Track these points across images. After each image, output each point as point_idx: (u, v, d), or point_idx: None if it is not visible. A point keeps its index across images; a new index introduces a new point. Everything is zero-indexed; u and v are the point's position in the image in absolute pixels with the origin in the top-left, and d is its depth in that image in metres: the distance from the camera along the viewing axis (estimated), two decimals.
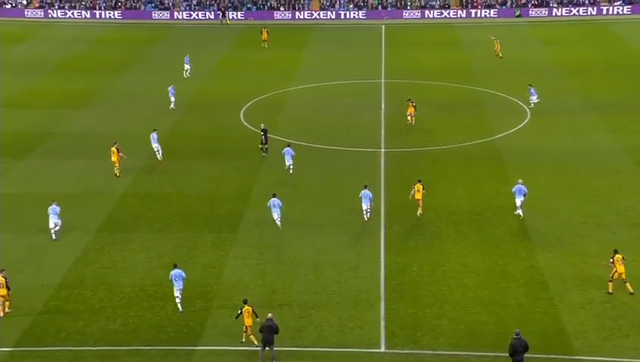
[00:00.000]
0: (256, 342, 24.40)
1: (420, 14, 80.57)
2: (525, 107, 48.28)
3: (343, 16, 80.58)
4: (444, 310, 26.53)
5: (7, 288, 26.22)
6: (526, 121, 46.12)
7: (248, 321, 24.54)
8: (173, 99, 48.26)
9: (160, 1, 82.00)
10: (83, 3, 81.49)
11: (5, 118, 46.86)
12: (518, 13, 79.93)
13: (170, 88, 48.75)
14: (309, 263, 29.69)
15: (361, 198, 32.78)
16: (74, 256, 30.36)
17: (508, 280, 28.42)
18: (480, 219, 33.19)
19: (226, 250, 30.79)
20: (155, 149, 39.93)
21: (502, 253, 30.34)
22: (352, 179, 36.99)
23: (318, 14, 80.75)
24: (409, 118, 45.08)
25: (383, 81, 56.17)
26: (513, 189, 33.09)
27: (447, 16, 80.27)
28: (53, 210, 31.65)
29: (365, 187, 33.20)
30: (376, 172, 38.65)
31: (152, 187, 37.04)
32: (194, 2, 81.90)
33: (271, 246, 31.15)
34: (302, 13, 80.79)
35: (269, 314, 24.29)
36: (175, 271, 26.94)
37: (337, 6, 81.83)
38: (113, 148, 37.87)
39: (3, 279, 26.33)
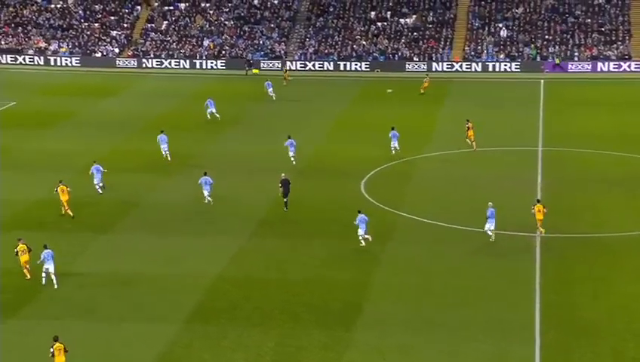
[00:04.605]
0: None
1: (590, 67, 79.58)
2: None
3: (490, 68, 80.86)
4: None
5: (30, 250, 35.66)
6: None
7: None
8: (212, 110, 61.78)
9: (271, 50, 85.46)
10: (182, 52, 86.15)
11: (86, 184, 49.54)
12: None
13: (208, 102, 62.44)
14: None
15: (357, 224, 38.38)
16: (157, 350, 31.13)
17: None
18: None
19: (340, 353, 30.76)
20: (164, 151, 51.10)
21: None
22: (498, 273, 36.39)
23: (460, 65, 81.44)
24: (469, 141, 49.83)
25: (539, 148, 55.49)
26: (487, 213, 38.92)
27: (627, 69, 78.82)
28: (97, 168, 44.15)
29: (359, 212, 38.88)
30: (530, 264, 37.81)
31: (251, 270, 37.80)
32: (310, 51, 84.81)
33: (395, 350, 30.87)
34: (440, 64, 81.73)
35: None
36: None
37: (484, 56, 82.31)
38: (62, 187, 42.96)
39: (25, 246, 35.78)
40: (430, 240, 40.47)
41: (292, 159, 51.21)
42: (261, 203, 45.37)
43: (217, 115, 62.41)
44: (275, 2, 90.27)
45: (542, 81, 75.96)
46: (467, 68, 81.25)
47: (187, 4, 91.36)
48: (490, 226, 39.58)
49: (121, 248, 40.47)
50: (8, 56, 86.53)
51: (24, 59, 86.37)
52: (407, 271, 37.24)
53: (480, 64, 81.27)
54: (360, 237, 38.96)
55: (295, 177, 49.81)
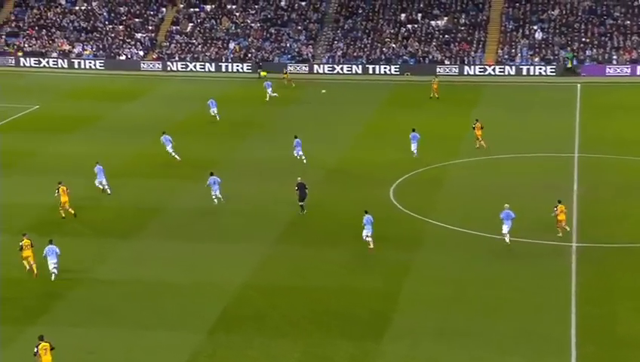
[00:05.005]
0: None
1: (629, 70, 78.88)
2: None
3: (525, 72, 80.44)
4: None
5: (32, 245, 37.20)
6: None
7: None
8: (214, 110, 64.03)
9: (298, 53, 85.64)
10: (207, 55, 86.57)
11: (111, 189, 49.86)
12: None
13: (210, 102, 64.47)
14: None
15: (364, 225, 39.09)
16: (180, 360, 31.13)
17: None
18: None
19: None
20: (171, 151, 53.04)
21: None
22: (531, 283, 36.12)
23: (493, 69, 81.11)
24: (477, 142, 51.62)
25: (575, 155, 55.07)
26: (501, 215, 39.28)
27: None
28: (100, 169, 46.51)
29: (366, 212, 39.65)
30: (565, 274, 37.51)
31: (277, 278, 37.85)
32: (338, 54, 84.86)
33: None
34: (472, 67, 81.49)
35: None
36: None
37: (518, 59, 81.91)
38: (62, 188, 43.91)
39: (29, 241, 37.43)
40: (460, 248, 40.30)
41: (302, 159, 52.64)
42: (286, 209, 45.40)
43: (217, 116, 64.46)
44: (303, 4, 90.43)
45: (578, 85, 75.43)
46: (500, 71, 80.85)
47: (213, 5, 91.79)
48: (506, 229, 39.80)
49: (144, 254, 40.69)
50: (32, 59, 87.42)
51: (48, 62, 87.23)
52: (437, 280, 37.10)
53: (514, 67, 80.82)
54: (367, 239, 39.59)
55: (322, 183, 49.97)
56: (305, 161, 52.33)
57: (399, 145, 56.37)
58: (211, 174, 46.26)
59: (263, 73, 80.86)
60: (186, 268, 39.07)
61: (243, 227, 43.63)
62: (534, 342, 31.80)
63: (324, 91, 73.53)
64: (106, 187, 48.24)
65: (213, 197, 45.73)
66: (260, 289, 36.76)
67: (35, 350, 29.27)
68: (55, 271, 37.26)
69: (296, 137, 53.54)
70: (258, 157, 55.47)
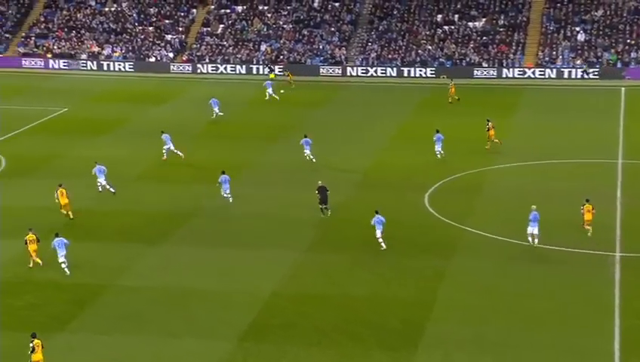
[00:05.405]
0: None
1: None
2: None
3: (566, 75, 79.88)
4: None
5: (38, 240, 38.77)
6: None
7: None
8: (216, 109, 65.80)
9: (331, 55, 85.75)
10: (238, 57, 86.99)
11: (138, 194, 50.20)
12: None
13: (212, 101, 66.23)
14: None
15: (374, 225, 40.09)
16: None
17: None
18: None
19: None
20: (173, 150, 54.86)
21: None
22: (572, 294, 35.82)
23: (533, 72, 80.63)
24: (490, 142, 54.28)
25: (619, 161, 54.59)
26: (529, 217, 39.77)
27: None
28: (99, 170, 47.42)
29: (377, 213, 40.57)
30: (608, 285, 37.13)
31: (307, 286, 37.88)
32: (372, 56, 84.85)
33: None
34: (511, 70, 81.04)
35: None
36: None
37: (559, 61, 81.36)
38: (61, 190, 45.00)
39: (34, 236, 38.91)
40: (497, 256, 40.10)
41: (311, 158, 53.95)
42: (317, 215, 45.45)
43: (216, 115, 66.40)
44: (336, 5, 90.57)
45: (622, 88, 74.74)
46: (540, 74, 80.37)
47: (244, 6, 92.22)
48: (532, 230, 40.12)
49: (173, 261, 40.91)
50: (61, 61, 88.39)
51: (77, 64, 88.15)
52: (473, 289, 36.92)
53: (555, 70, 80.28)
54: (379, 240, 40.40)
55: (355, 188, 49.98)
56: (314, 160, 53.69)
57: (434, 149, 56.16)
58: (223, 173, 47.35)
59: (271, 75, 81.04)
60: (215, 274, 39.24)
61: (273, 233, 43.74)
62: (575, 356, 31.54)
63: (282, 91, 74.66)
64: (108, 187, 48.91)
65: (224, 195, 46.96)
66: (290, 297, 36.82)
67: (31, 346, 30.16)
68: (64, 264, 38.39)
69: (305, 136, 54.63)
70: (288, 160, 55.52)
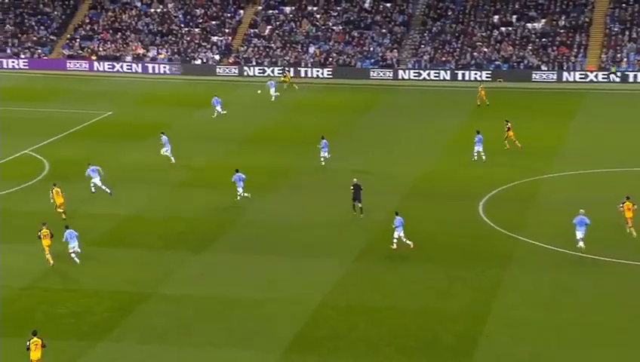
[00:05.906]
0: None
1: None
2: None
3: (631, 79, 78.93)
4: None
5: (52, 235, 39.91)
6: None
7: None
8: (218, 108, 67.63)
9: (382, 57, 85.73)
10: (286, 59, 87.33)
11: (183, 199, 50.61)
12: None
13: (214, 100, 67.86)
14: None
15: (395, 227, 40.92)
16: None
17: None
18: None
19: None
20: (167, 153, 55.30)
21: None
22: (633, 310, 35.37)
23: (595, 75, 79.77)
24: (507, 143, 55.31)
25: None
26: (574, 221, 39.70)
27: None
28: (92, 170, 48.33)
29: (397, 214, 41.26)
30: None
31: (356, 297, 37.83)
32: (425, 58, 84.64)
33: None
34: (572, 74, 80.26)
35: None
36: None
37: (624, 64, 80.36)
38: (56, 190, 45.96)
39: (48, 231, 39.95)
40: (554, 268, 39.71)
41: (322, 160, 54.97)
42: (367, 224, 45.45)
43: (217, 114, 68.04)
44: (388, 5, 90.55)
45: None
46: (604, 78, 79.50)
47: (293, 7, 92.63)
48: (579, 235, 40.22)
49: (217, 269, 41.17)
50: (106, 63, 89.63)
51: (122, 66, 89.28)
52: (528, 302, 36.60)
53: (619, 74, 79.32)
54: (394, 240, 41.22)
55: (408, 196, 49.84)
56: (323, 163, 54.60)
57: (491, 157, 55.84)
58: (237, 171, 48.51)
59: (282, 79, 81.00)
60: (259, 283, 39.38)
61: (321, 241, 43.82)
62: None
63: (259, 92, 75.52)
64: (103, 188, 49.33)
65: (238, 195, 48.05)
66: (337, 308, 36.82)
67: (27, 344, 30.70)
68: (74, 254, 40.13)
69: (323, 138, 55.22)
70: (336, 167, 55.46)
